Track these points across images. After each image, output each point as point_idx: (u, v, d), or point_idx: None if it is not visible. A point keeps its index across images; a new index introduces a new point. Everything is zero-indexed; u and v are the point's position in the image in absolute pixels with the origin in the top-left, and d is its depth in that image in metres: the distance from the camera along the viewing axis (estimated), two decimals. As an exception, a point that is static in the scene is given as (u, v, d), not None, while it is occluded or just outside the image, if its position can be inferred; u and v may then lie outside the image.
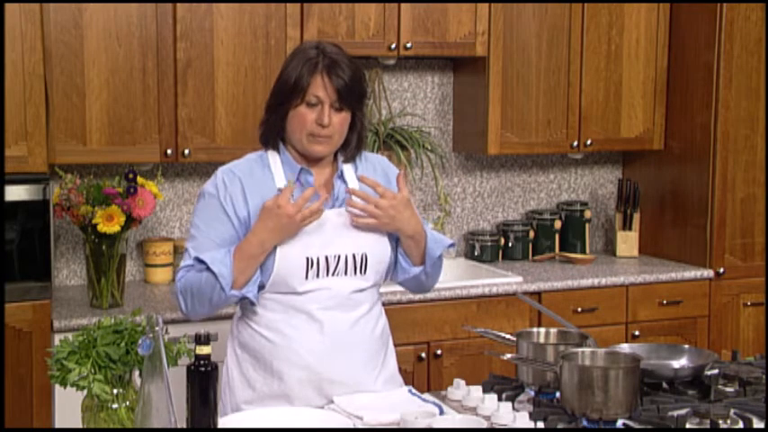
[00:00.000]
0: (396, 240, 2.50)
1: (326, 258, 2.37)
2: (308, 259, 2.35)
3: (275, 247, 2.34)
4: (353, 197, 2.39)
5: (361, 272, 2.41)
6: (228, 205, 2.38)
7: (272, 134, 2.45)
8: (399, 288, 2.68)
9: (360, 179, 2.42)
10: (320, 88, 2.36)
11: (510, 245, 4.40)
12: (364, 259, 2.41)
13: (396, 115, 4.25)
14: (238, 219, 2.38)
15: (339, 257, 2.38)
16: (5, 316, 3.17)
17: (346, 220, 2.40)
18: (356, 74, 2.39)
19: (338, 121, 2.38)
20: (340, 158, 2.48)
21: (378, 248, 2.44)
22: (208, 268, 2.30)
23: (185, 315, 2.42)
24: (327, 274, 2.37)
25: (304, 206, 2.29)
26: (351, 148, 2.47)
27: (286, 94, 2.39)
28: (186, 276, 2.36)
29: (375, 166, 2.55)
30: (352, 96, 2.38)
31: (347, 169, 2.48)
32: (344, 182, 2.46)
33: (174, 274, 3.86)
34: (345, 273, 2.39)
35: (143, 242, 3.88)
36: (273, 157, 2.45)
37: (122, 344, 2.00)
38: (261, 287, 2.38)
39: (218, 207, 2.38)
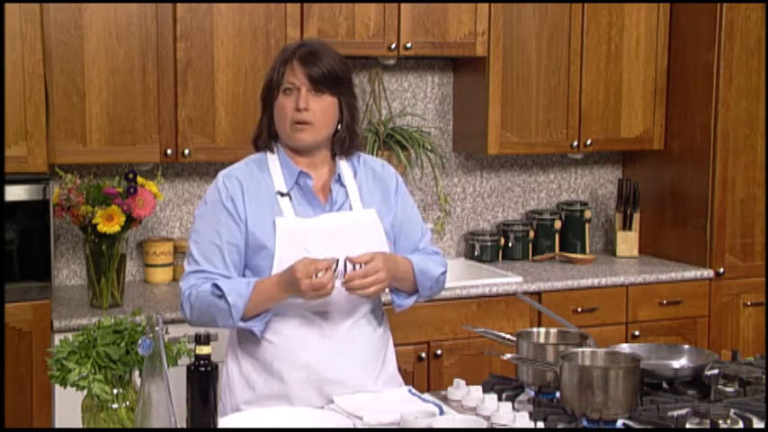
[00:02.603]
0: (394, 243, 2.50)
1: None
2: None
3: (273, 253, 2.34)
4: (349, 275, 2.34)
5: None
6: (231, 206, 2.38)
7: (263, 136, 2.46)
8: (399, 288, 2.68)
9: (346, 259, 2.33)
10: (293, 75, 2.37)
11: (510, 245, 4.40)
12: (363, 264, 2.39)
13: (396, 115, 4.25)
14: (241, 220, 2.37)
15: (338, 261, 2.37)
16: (5, 316, 3.17)
17: (345, 225, 2.40)
18: (335, 61, 2.40)
19: (319, 107, 2.38)
20: (338, 159, 2.48)
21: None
22: (224, 296, 2.30)
23: (189, 322, 2.42)
24: None
25: (320, 275, 2.24)
26: (341, 139, 2.45)
27: (266, 92, 2.43)
28: (198, 292, 2.34)
29: (374, 171, 2.53)
30: (330, 80, 2.38)
31: (346, 172, 2.47)
32: (343, 185, 2.45)
33: (173, 273, 3.86)
34: (345, 276, 2.38)
35: (143, 242, 3.88)
36: (273, 160, 2.45)
37: (122, 344, 2.00)
38: None
39: (222, 210, 2.38)
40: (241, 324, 2.33)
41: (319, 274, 2.23)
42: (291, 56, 2.40)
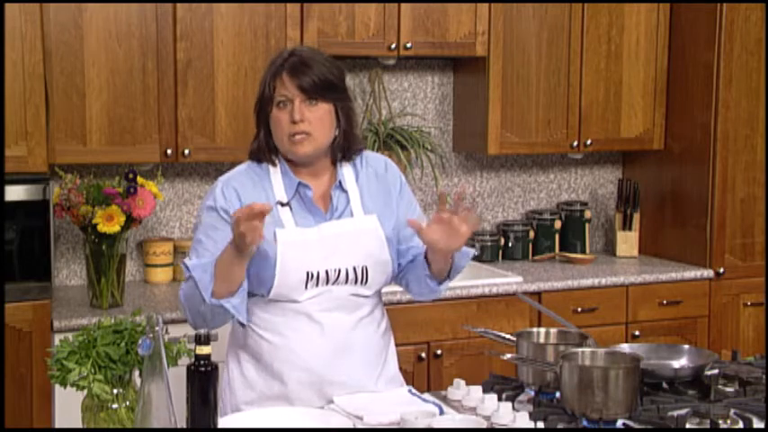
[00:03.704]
0: (396, 251, 2.48)
1: (327, 272, 2.34)
2: (308, 273, 2.34)
3: (275, 261, 2.31)
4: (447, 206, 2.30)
5: (361, 283, 2.39)
6: (228, 218, 2.36)
7: (262, 149, 2.42)
8: (399, 288, 2.67)
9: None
10: (284, 87, 2.34)
11: (510, 245, 4.40)
12: (365, 271, 2.38)
13: (396, 115, 4.25)
14: None
15: (339, 271, 2.36)
16: (5, 316, 3.17)
17: (346, 233, 2.38)
18: (327, 67, 2.36)
19: (314, 117, 2.33)
20: (339, 165, 2.45)
21: (379, 260, 2.41)
22: (191, 276, 2.28)
23: (192, 327, 2.37)
24: (327, 284, 2.36)
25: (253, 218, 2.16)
26: (340, 145, 2.42)
27: (260, 107, 2.40)
28: (182, 288, 2.35)
29: (377, 173, 2.50)
30: (321, 88, 2.34)
31: (347, 176, 2.45)
32: (344, 191, 2.43)
33: (173, 273, 3.87)
34: (346, 282, 2.38)
35: (143, 242, 3.88)
36: (273, 169, 2.43)
37: (122, 344, 2.00)
38: (260, 295, 2.37)
39: (218, 219, 2.36)
40: (214, 301, 2.25)
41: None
42: (280, 68, 2.35)
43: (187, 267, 2.30)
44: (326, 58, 2.40)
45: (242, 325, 2.38)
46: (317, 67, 2.35)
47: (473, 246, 4.32)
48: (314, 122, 2.34)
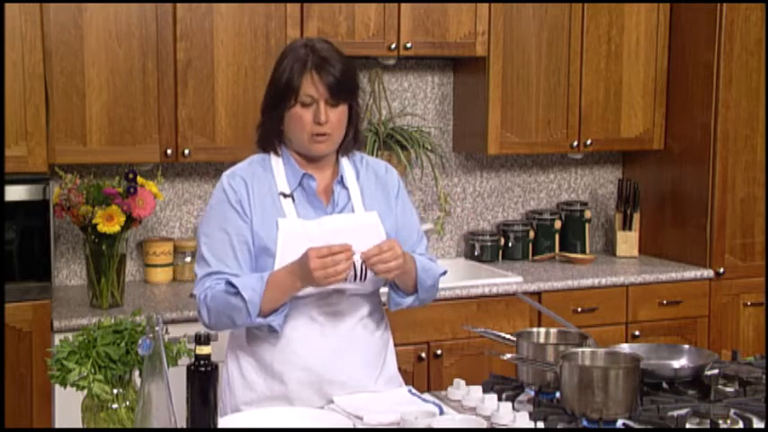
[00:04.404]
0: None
1: None
2: None
3: (274, 255, 2.33)
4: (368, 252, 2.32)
5: (360, 279, 2.39)
6: (238, 206, 2.37)
7: (270, 137, 2.44)
8: (399, 288, 2.68)
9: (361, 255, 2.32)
10: (312, 87, 2.34)
11: (510, 245, 4.40)
12: (364, 267, 2.38)
13: (396, 115, 4.25)
14: (250, 218, 2.37)
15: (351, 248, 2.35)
16: (5, 316, 3.17)
17: (347, 227, 2.39)
18: (347, 67, 2.38)
19: (336, 118, 2.37)
20: (341, 161, 2.47)
21: None
22: (238, 293, 2.28)
23: (207, 327, 2.38)
24: None
25: (332, 263, 2.22)
26: (348, 140, 2.45)
27: (279, 96, 2.39)
28: (213, 293, 2.33)
29: (377, 174, 2.52)
30: (345, 90, 2.37)
31: (348, 173, 2.46)
32: (345, 187, 2.44)
33: (173, 273, 3.87)
34: (345, 279, 2.38)
35: (143, 242, 3.88)
36: (276, 161, 2.44)
37: (122, 344, 2.00)
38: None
39: (229, 209, 2.37)
40: (259, 320, 2.30)
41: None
42: (305, 65, 2.35)
43: (233, 285, 2.29)
44: (343, 55, 2.42)
45: (274, 331, 2.38)
46: (338, 65, 2.37)
47: (473, 245, 4.33)
48: (334, 123, 2.38)
